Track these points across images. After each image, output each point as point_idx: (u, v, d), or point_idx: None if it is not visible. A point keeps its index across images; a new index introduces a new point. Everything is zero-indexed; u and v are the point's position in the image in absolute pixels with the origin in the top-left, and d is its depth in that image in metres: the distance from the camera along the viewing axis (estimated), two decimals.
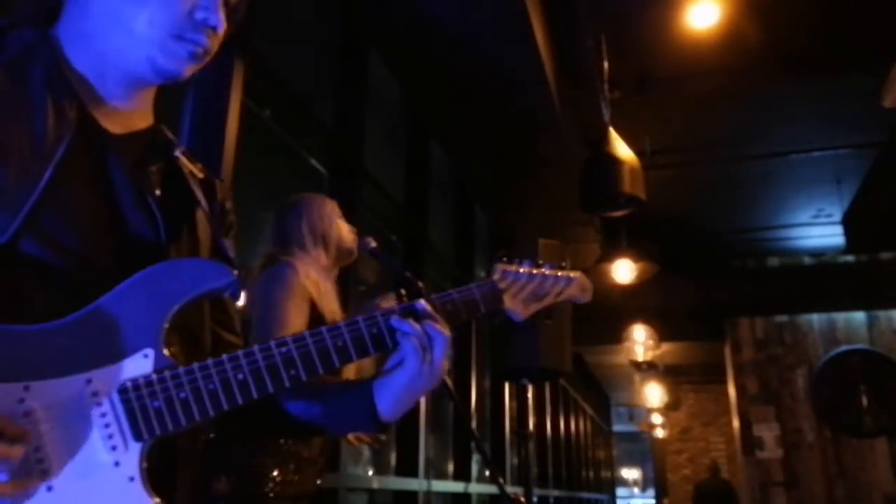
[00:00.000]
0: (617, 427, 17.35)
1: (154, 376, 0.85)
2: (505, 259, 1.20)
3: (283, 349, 0.92)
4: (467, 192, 5.91)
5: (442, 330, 1.01)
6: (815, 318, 8.12)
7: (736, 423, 8.30)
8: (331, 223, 2.17)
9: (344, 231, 2.19)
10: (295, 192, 2.27)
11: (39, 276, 0.84)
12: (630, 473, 18.93)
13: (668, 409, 13.69)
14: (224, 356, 0.89)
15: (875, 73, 4.67)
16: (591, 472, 13.02)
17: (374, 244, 2.16)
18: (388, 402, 1.03)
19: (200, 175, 1.08)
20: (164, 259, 0.93)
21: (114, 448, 0.82)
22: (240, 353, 0.90)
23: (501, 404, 6.44)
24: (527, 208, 6.04)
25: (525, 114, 4.62)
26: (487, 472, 5.59)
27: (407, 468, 4.25)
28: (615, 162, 4.30)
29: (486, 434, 6.22)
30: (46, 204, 0.84)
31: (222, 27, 0.97)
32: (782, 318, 8.21)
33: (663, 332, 8.82)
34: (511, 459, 6.65)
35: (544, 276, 1.21)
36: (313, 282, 2.01)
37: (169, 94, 1.08)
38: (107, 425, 0.83)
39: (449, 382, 1.81)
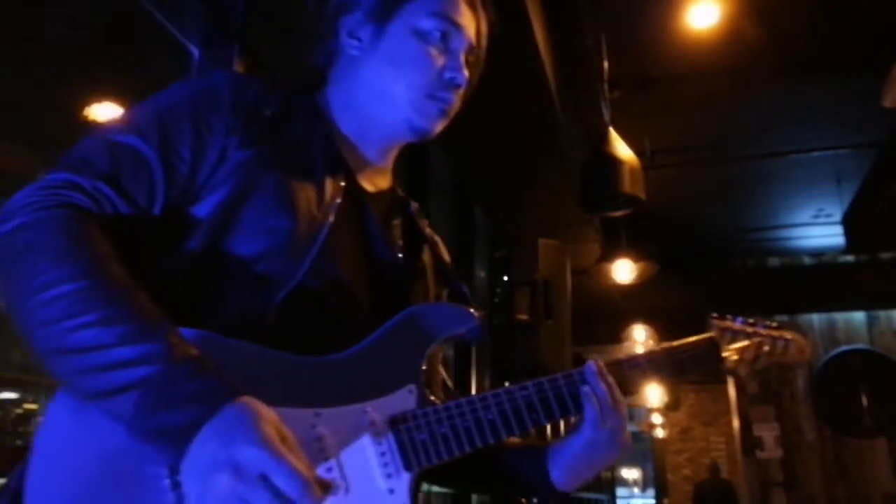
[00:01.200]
0: None
1: (418, 411, 0.94)
2: (716, 315, 1.22)
3: (524, 393, 1.00)
4: (467, 193, 5.91)
5: (621, 397, 1.03)
6: (815, 318, 8.11)
7: (736, 423, 8.30)
8: None
9: None
10: None
11: (319, 310, 0.97)
12: (630, 473, 18.92)
13: (668, 409, 13.68)
14: (474, 396, 0.98)
15: (875, 73, 4.66)
16: None
17: None
18: (563, 470, 1.05)
19: (427, 229, 1.23)
20: (410, 299, 1.06)
21: (389, 476, 0.89)
22: (487, 394, 0.98)
23: None
24: (527, 208, 6.04)
25: (525, 114, 4.62)
26: None
27: None
28: (615, 162, 4.30)
29: None
30: (325, 250, 0.97)
31: (466, 85, 1.12)
32: (782, 318, 8.20)
33: (663, 332, 8.82)
34: None
35: (763, 336, 1.22)
36: None
37: None
38: (383, 454, 0.90)
39: (449, 382, 1.81)
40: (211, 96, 0.98)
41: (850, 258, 7.96)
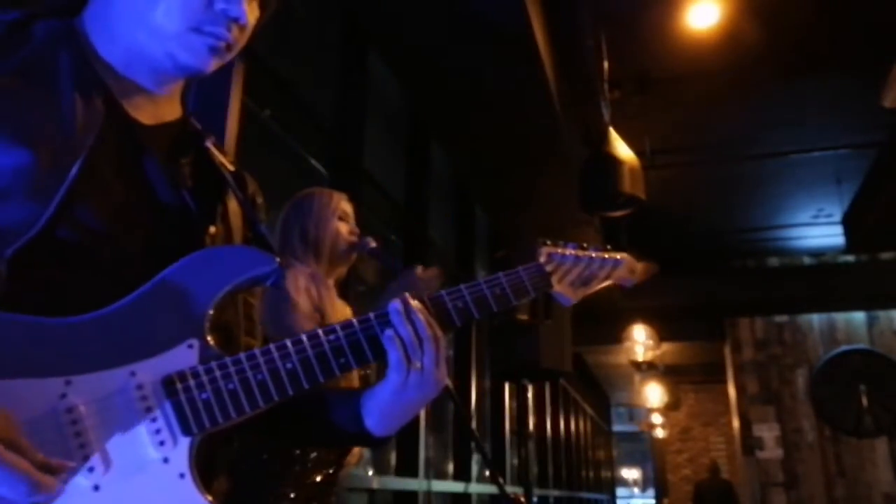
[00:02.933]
0: (617, 427, 17.34)
1: (200, 367, 0.81)
2: (548, 242, 1.14)
3: (332, 336, 0.89)
4: (467, 193, 5.91)
5: (433, 331, 0.94)
6: (815, 318, 8.12)
7: (736, 423, 8.30)
8: (325, 227, 2.10)
9: (340, 232, 2.12)
10: (295, 192, 2.25)
11: (75, 265, 0.81)
12: (630, 473, 18.92)
13: (668, 409, 13.69)
14: (271, 345, 0.86)
15: (875, 73, 4.67)
16: (591, 472, 13.02)
17: (373, 244, 2.15)
18: (376, 418, 0.97)
19: (231, 167, 1.04)
20: (199, 247, 0.89)
21: (162, 443, 0.78)
22: (287, 341, 0.87)
23: (501, 404, 6.44)
24: (527, 208, 6.04)
25: (525, 114, 4.62)
26: (487, 472, 5.59)
27: (407, 468, 4.24)
28: (615, 162, 4.30)
29: (486, 434, 6.22)
30: (79, 192, 0.81)
31: (246, 18, 0.91)
32: (782, 318, 8.21)
33: (663, 332, 8.82)
34: (511, 459, 6.65)
35: (591, 258, 1.16)
36: (304, 291, 1.97)
37: None
38: (153, 419, 0.79)
39: (449, 383, 1.81)
40: None
41: (850, 258, 7.97)
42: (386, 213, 4.43)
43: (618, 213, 4.57)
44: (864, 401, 7.67)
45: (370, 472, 4.23)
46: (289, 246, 2.10)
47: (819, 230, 8.03)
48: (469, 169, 5.57)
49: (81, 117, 0.85)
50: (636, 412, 16.65)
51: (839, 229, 7.91)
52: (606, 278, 1.18)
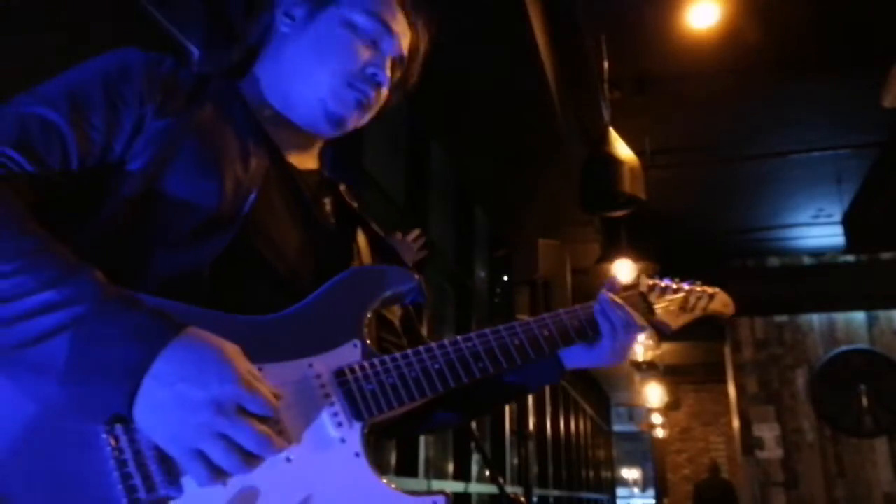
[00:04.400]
0: (617, 427, 17.35)
1: (365, 363, 0.94)
2: (644, 276, 1.28)
3: (468, 344, 1.03)
4: (467, 193, 5.91)
5: (638, 322, 1.16)
6: (815, 318, 8.11)
7: (736, 423, 8.30)
8: None
9: None
10: None
11: (255, 274, 0.98)
12: (630, 473, 18.93)
13: (668, 409, 13.70)
14: (421, 347, 1.00)
15: (875, 73, 4.67)
16: (591, 472, 13.02)
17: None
18: (576, 364, 1.20)
19: (356, 208, 1.23)
20: (346, 265, 1.07)
21: (339, 425, 0.90)
22: (433, 344, 1.01)
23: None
24: (527, 208, 6.04)
25: (525, 114, 4.62)
26: (487, 472, 5.59)
27: (407, 468, 4.25)
28: (615, 162, 4.30)
29: (486, 434, 6.22)
30: (257, 218, 0.98)
31: (387, 85, 1.14)
32: (782, 318, 8.21)
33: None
34: (511, 459, 6.65)
35: (689, 291, 1.31)
36: None
37: None
38: (332, 404, 0.90)
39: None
40: (123, 68, 0.98)
41: (850, 258, 7.96)
42: (386, 213, 4.43)
43: (618, 213, 4.57)
44: (864, 401, 7.67)
45: None
46: None
47: (819, 230, 8.03)
48: (469, 169, 5.57)
49: (254, 157, 1.03)
50: (636, 412, 16.66)
51: (839, 229, 7.91)
52: (704, 310, 1.33)
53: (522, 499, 3.20)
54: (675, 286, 1.27)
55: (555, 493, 8.83)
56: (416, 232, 2.22)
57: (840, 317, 8.05)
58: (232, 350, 0.80)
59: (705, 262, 8.36)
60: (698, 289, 1.31)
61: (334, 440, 0.89)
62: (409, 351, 0.98)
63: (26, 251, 0.79)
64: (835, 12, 4.53)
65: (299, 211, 1.08)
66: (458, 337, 1.02)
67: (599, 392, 14.61)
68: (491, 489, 5.51)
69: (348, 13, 1.11)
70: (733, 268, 8.41)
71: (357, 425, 0.91)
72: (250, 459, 0.77)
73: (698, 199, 7.41)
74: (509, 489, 2.97)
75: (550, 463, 8.72)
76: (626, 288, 1.22)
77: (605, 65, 4.66)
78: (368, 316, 0.99)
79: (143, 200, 0.92)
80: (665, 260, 6.00)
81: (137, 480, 0.76)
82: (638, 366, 9.00)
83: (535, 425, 7.03)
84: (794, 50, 4.90)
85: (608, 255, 5.96)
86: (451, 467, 5.26)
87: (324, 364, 0.92)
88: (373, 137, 4.00)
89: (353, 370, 0.93)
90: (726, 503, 10.39)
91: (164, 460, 0.78)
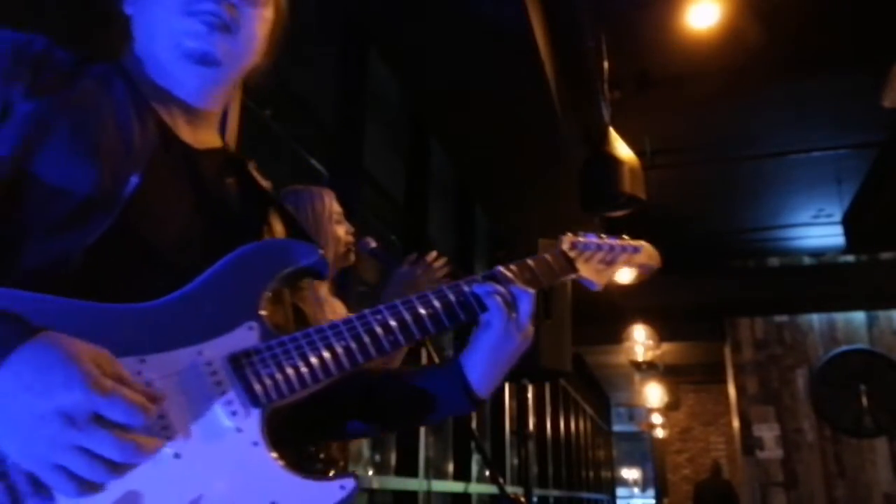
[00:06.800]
0: (617, 427, 17.35)
1: (262, 345, 0.87)
2: (570, 234, 1.23)
3: (378, 316, 0.95)
4: (467, 193, 5.91)
5: (525, 287, 1.04)
6: (815, 318, 8.12)
7: (736, 423, 8.30)
8: (323, 234, 2.02)
9: (339, 236, 2.05)
10: None
11: (140, 262, 0.90)
12: (630, 473, 18.94)
13: (668, 409, 13.70)
14: (325, 324, 0.92)
15: (875, 73, 4.67)
16: (591, 472, 13.02)
17: (374, 244, 2.14)
18: (479, 371, 1.04)
19: (269, 189, 1.15)
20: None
21: (234, 414, 0.84)
22: (339, 321, 0.93)
23: (501, 404, 6.44)
24: (527, 208, 6.04)
25: (525, 114, 4.62)
26: (487, 472, 5.59)
27: (407, 468, 4.25)
28: (615, 162, 4.30)
29: (486, 434, 6.22)
30: (141, 201, 0.90)
31: None
32: (782, 318, 8.22)
33: (663, 332, 8.82)
34: (511, 459, 6.65)
35: (612, 245, 1.25)
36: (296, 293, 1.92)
37: None
38: (224, 392, 0.84)
39: (435, 358, 1.78)
40: None
41: (850, 258, 7.96)
42: (386, 213, 4.43)
43: (618, 213, 4.57)
44: (864, 401, 7.67)
45: (370, 472, 4.24)
46: None
47: (819, 230, 8.03)
48: (469, 169, 5.57)
49: (139, 136, 0.96)
50: (636, 412, 16.66)
51: (839, 229, 7.91)
52: (627, 263, 1.28)
53: (522, 499, 3.20)
54: (597, 241, 1.23)
55: (555, 493, 8.83)
56: (433, 254, 2.17)
57: (840, 317, 8.06)
58: (84, 351, 0.72)
59: (705, 262, 8.37)
60: (620, 243, 1.26)
61: (229, 430, 0.83)
62: (311, 329, 0.91)
63: None
64: (835, 12, 4.53)
65: (196, 193, 1.00)
66: (366, 311, 0.95)
67: (599, 392, 14.62)
68: (491, 489, 5.51)
69: None
70: (733, 268, 8.42)
71: (255, 412, 0.84)
72: (117, 468, 0.71)
73: (698, 199, 7.41)
74: (509, 489, 2.97)
75: (550, 463, 8.73)
76: (545, 247, 1.17)
77: (605, 65, 4.66)
78: (267, 295, 0.92)
79: (12, 187, 0.86)
80: (665, 260, 5.99)
81: (3, 497, 0.71)
82: (638, 366, 8.99)
83: (535, 425, 7.02)
84: (794, 50, 4.90)
85: None
86: (451, 467, 5.26)
87: (215, 350, 0.85)
88: (373, 137, 4.00)
89: (247, 354, 0.86)
90: (726, 503, 10.39)
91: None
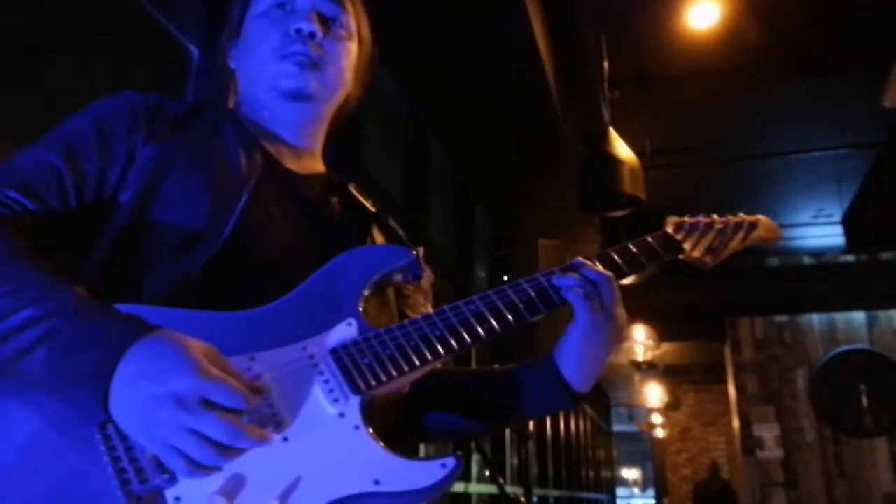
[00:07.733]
0: (617, 427, 17.34)
1: (359, 337, 0.95)
2: (673, 216, 1.21)
3: (471, 306, 1.01)
4: (467, 192, 5.91)
5: (604, 272, 1.04)
6: (815, 318, 8.11)
7: (736, 423, 8.30)
8: None
9: None
10: None
11: (254, 272, 1.00)
12: (630, 473, 18.93)
13: (668, 409, 13.69)
14: (419, 316, 0.99)
15: (875, 73, 4.67)
16: (591, 472, 13.01)
17: None
18: (573, 366, 1.07)
19: (372, 208, 1.26)
20: None
21: (336, 401, 0.90)
22: (431, 312, 1.00)
23: None
24: (527, 208, 6.04)
25: (525, 114, 4.62)
26: (487, 472, 5.59)
27: None
28: (615, 162, 4.31)
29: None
30: (249, 222, 1.01)
31: (315, 29, 1.11)
32: (782, 318, 8.21)
33: (663, 332, 8.82)
34: (511, 459, 6.65)
35: (725, 222, 1.25)
36: None
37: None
38: (326, 381, 0.91)
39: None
40: (112, 106, 1.05)
41: (850, 258, 7.96)
42: (386, 212, 4.42)
43: (618, 213, 4.57)
44: (864, 401, 7.67)
45: None
46: None
47: (819, 230, 8.03)
48: (469, 169, 5.57)
49: (245, 164, 1.07)
50: (636, 412, 16.65)
51: (839, 229, 7.91)
52: (744, 240, 1.27)
53: (522, 499, 3.20)
54: (706, 221, 1.23)
55: (555, 493, 8.83)
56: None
57: (840, 317, 8.05)
58: (196, 345, 0.81)
59: None
60: (735, 220, 1.26)
61: (332, 416, 0.89)
62: (405, 322, 0.98)
63: (15, 275, 0.85)
64: (835, 12, 4.53)
65: (301, 210, 1.11)
66: (460, 301, 1.01)
67: (599, 392, 14.61)
68: (491, 489, 5.51)
69: (255, 9, 1.16)
70: (733, 268, 8.41)
71: (354, 399, 0.90)
72: (226, 451, 0.78)
73: (698, 199, 7.40)
74: (509, 489, 2.97)
75: (550, 463, 8.72)
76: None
77: (605, 65, 4.66)
78: (365, 294, 0.99)
79: (135, 227, 0.97)
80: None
81: (131, 474, 0.79)
82: (638, 366, 8.99)
83: (535, 425, 7.03)
84: (794, 50, 4.90)
85: None
86: None
87: (318, 345, 0.93)
88: (373, 137, 4.00)
89: (346, 347, 0.94)
90: (726, 503, 10.39)
91: None
